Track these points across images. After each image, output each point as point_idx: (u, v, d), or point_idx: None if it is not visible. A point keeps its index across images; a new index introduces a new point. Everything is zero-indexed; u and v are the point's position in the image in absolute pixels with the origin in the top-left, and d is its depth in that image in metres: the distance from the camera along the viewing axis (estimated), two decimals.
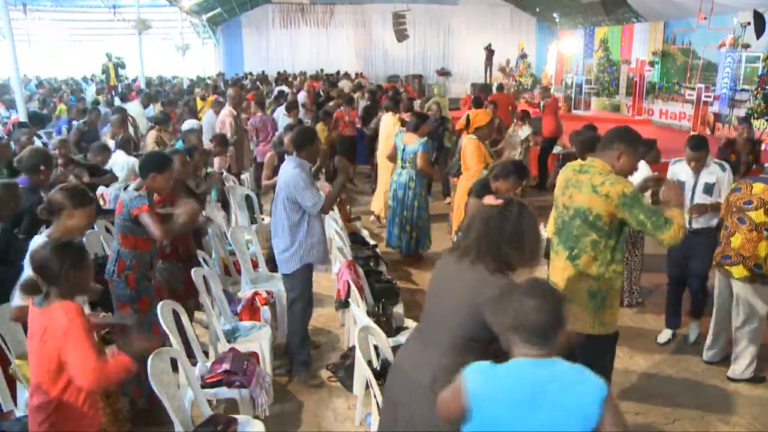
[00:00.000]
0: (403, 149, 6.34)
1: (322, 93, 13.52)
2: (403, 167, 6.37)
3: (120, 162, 6.08)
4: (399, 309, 4.48)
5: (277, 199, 4.11)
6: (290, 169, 4.00)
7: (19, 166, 4.33)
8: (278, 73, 21.20)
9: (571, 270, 2.93)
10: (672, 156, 5.04)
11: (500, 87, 14.19)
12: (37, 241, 2.95)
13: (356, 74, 21.91)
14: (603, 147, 2.98)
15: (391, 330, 4.06)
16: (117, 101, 12.06)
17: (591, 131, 5.77)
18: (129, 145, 6.59)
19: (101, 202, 5.20)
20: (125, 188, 3.62)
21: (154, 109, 10.88)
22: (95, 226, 4.90)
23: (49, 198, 3.05)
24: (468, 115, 6.00)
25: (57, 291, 2.38)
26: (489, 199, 2.29)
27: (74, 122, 9.09)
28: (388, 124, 7.87)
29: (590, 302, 2.91)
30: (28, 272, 2.91)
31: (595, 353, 2.96)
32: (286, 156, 4.28)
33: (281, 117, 9.20)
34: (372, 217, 7.79)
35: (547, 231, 3.46)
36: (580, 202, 2.88)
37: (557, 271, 3.03)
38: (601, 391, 1.73)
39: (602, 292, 2.89)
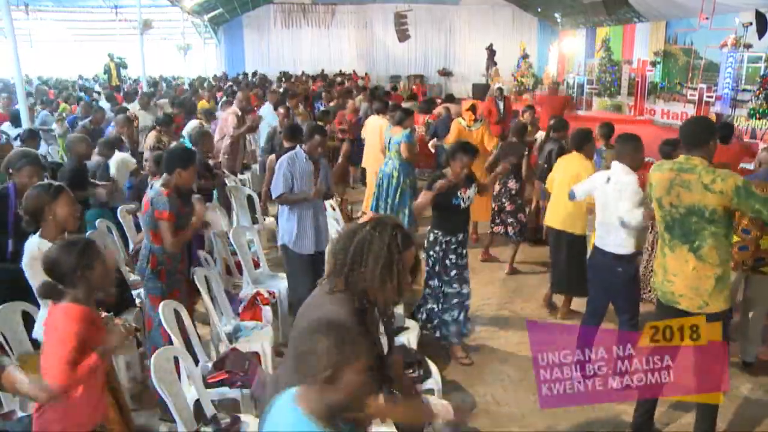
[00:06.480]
0: (389, 141, 6.76)
1: (323, 95, 13.47)
2: (389, 158, 6.76)
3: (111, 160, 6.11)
4: (399, 309, 4.47)
5: None
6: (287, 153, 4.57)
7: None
8: (281, 73, 21.20)
9: (695, 261, 3.15)
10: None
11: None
12: (32, 243, 2.92)
13: (362, 74, 21.82)
14: (695, 144, 3.17)
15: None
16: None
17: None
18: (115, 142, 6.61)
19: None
20: (151, 185, 3.64)
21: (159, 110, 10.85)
22: (96, 226, 4.90)
23: (25, 205, 2.93)
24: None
25: (72, 292, 2.33)
26: (365, 217, 2.19)
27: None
28: (375, 126, 7.66)
29: (717, 285, 3.13)
30: (29, 274, 2.92)
31: (725, 325, 3.19)
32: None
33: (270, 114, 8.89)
34: (360, 214, 7.87)
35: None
36: (693, 200, 3.09)
37: (677, 264, 3.22)
38: None
39: (726, 274, 3.15)
